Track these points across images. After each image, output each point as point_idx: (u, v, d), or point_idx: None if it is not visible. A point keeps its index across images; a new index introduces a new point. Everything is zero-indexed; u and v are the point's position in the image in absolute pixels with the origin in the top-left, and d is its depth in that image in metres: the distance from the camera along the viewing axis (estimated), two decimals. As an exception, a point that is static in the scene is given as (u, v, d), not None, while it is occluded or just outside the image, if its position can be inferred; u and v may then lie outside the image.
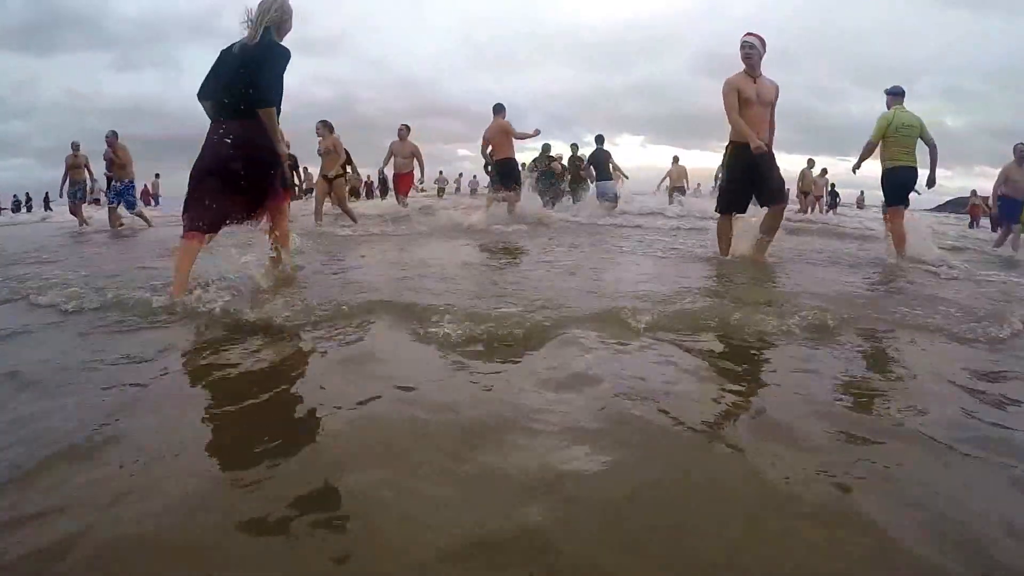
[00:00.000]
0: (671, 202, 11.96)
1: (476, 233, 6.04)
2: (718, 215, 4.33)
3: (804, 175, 13.40)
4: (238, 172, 2.62)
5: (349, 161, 7.73)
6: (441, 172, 28.72)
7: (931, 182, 4.98)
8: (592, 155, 10.31)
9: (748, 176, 4.06)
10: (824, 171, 13.72)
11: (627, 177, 11.14)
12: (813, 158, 13.60)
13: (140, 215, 8.51)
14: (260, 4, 2.66)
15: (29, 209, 22.33)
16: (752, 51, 3.99)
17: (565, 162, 10.80)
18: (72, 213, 8.94)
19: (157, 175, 24.49)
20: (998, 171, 7.41)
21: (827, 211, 14.74)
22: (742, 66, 4.02)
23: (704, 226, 5.82)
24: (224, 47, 2.73)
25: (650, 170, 13.47)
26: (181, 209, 2.70)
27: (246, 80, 2.58)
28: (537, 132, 7.85)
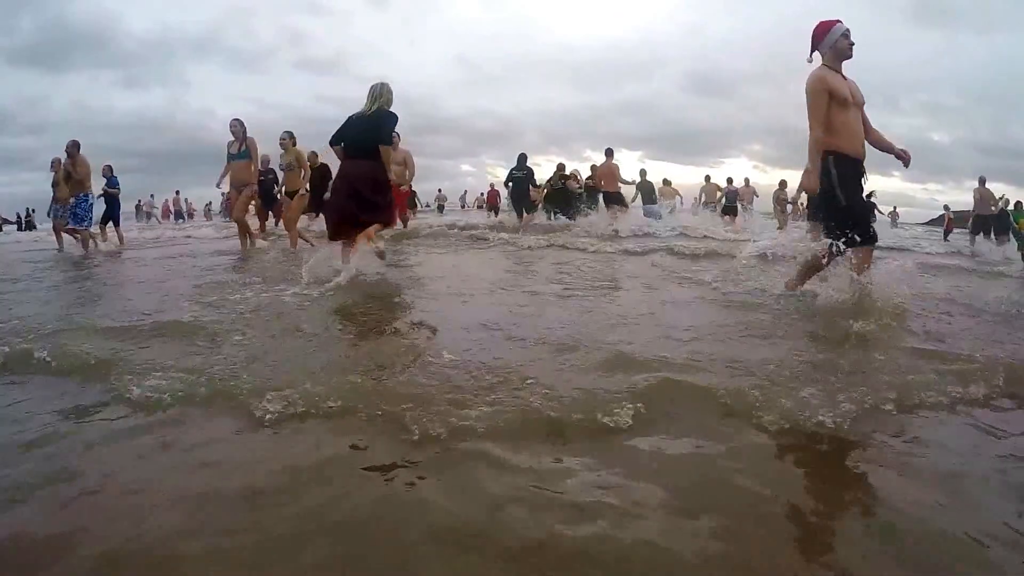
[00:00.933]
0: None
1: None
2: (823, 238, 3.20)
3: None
4: (364, 192, 3.98)
5: (328, 176, 7.06)
6: (440, 190, 28.51)
7: None
8: (640, 184, 12.00)
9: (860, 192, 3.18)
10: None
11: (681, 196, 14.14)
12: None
13: (79, 235, 7.46)
14: (372, 89, 4.03)
15: (32, 227, 20.53)
16: (853, 43, 3.12)
17: (582, 179, 11.21)
18: (55, 231, 8.24)
19: (177, 191, 23.41)
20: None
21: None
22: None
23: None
24: (351, 114, 4.10)
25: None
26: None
27: (372, 134, 3.97)
28: (633, 182, 11.36)
